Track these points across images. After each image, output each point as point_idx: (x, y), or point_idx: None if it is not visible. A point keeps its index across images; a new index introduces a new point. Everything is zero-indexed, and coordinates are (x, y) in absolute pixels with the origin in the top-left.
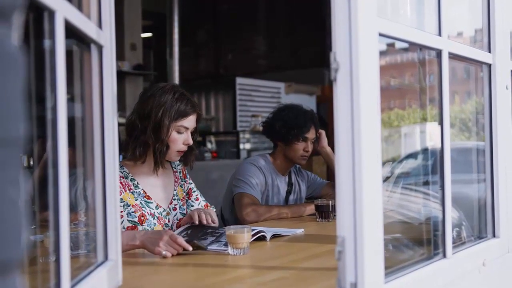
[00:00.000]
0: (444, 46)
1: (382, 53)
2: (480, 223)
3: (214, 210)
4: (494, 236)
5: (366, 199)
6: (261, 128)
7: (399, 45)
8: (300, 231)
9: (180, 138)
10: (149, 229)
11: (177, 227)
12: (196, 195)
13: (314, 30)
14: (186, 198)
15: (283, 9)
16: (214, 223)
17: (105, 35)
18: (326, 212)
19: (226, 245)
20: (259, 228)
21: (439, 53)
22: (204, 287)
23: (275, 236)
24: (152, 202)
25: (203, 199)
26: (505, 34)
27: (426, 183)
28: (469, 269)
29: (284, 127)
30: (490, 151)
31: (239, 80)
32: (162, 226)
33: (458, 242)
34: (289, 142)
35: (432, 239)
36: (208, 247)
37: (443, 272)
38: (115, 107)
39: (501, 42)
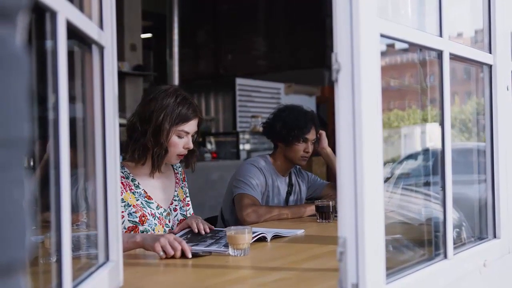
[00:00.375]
0: (445, 47)
1: (382, 54)
2: (480, 224)
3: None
4: (494, 237)
5: (367, 200)
6: (261, 129)
7: (398, 45)
8: (300, 232)
9: (180, 142)
10: (150, 229)
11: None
12: (188, 201)
13: (314, 31)
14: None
15: (283, 9)
16: (208, 232)
17: (106, 36)
18: (326, 213)
19: (226, 246)
20: (260, 230)
21: (440, 54)
22: None
23: (275, 237)
24: (152, 203)
25: (191, 206)
26: (505, 35)
27: (426, 184)
28: (470, 270)
29: (284, 128)
30: (491, 151)
31: (239, 81)
32: (163, 226)
33: (459, 243)
34: (289, 143)
35: (433, 240)
36: (209, 248)
37: (444, 273)
38: (116, 108)
39: (501, 43)
